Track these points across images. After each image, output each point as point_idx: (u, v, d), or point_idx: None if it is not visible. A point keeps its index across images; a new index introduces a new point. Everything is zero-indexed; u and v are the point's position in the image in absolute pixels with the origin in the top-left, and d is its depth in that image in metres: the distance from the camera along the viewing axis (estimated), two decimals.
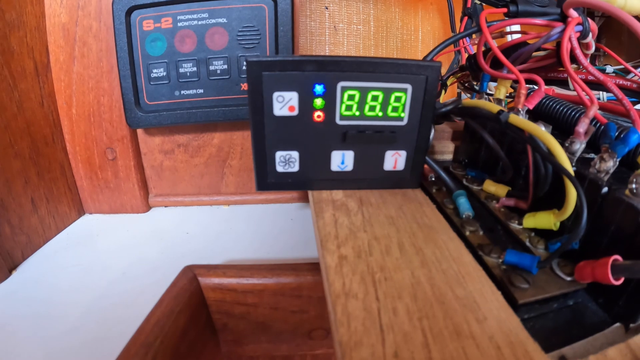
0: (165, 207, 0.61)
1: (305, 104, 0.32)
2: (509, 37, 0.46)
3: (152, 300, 0.37)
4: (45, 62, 0.50)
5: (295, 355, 0.44)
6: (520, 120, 0.30)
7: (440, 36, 0.72)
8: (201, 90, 0.51)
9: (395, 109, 0.33)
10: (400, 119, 0.34)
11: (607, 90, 0.34)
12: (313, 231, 0.38)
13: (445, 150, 0.47)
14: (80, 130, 0.54)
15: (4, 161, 0.45)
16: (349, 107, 0.33)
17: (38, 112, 0.50)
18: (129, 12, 0.48)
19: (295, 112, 0.33)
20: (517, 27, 0.55)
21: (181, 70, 0.50)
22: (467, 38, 0.62)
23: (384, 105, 0.33)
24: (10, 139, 0.45)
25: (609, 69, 0.58)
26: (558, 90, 0.48)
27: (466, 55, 0.60)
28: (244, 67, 0.48)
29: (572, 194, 0.26)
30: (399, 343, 0.20)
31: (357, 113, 0.33)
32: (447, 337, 0.21)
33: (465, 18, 0.64)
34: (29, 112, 0.48)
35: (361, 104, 0.33)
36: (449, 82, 0.57)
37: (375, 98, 0.33)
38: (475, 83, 0.53)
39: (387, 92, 0.32)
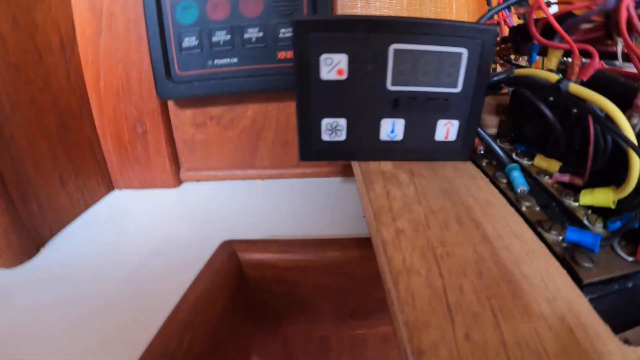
0: (197, 181, 0.61)
1: (355, 68, 0.31)
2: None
3: (187, 278, 0.36)
4: (71, 35, 0.49)
5: (333, 335, 0.43)
6: (581, 89, 0.29)
7: (474, 10, 0.69)
8: (235, 60, 0.49)
9: (449, 75, 0.32)
10: (454, 85, 0.32)
11: None
12: (352, 206, 0.37)
13: (489, 124, 0.45)
14: (108, 104, 0.53)
15: (31, 137, 0.44)
16: (401, 72, 0.31)
17: (65, 86, 0.49)
18: None
19: (344, 76, 0.31)
20: None
21: (214, 38, 0.48)
22: (507, 10, 0.59)
23: (438, 70, 0.31)
24: (36, 114, 0.45)
25: None
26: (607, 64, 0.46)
27: (505, 27, 0.58)
28: (281, 35, 0.46)
29: (636, 167, 0.25)
30: (469, 324, 0.19)
31: (410, 78, 0.32)
32: (518, 318, 0.20)
33: None
34: (55, 87, 0.47)
35: (414, 68, 0.31)
36: None
37: (428, 62, 0.31)
38: (514, 57, 0.51)
39: (442, 57, 0.31)
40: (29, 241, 0.43)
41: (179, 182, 0.60)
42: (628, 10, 0.32)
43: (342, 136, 0.34)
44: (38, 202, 0.45)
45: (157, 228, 0.49)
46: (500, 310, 0.20)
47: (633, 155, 0.25)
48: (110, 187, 0.58)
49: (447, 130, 0.34)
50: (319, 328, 0.43)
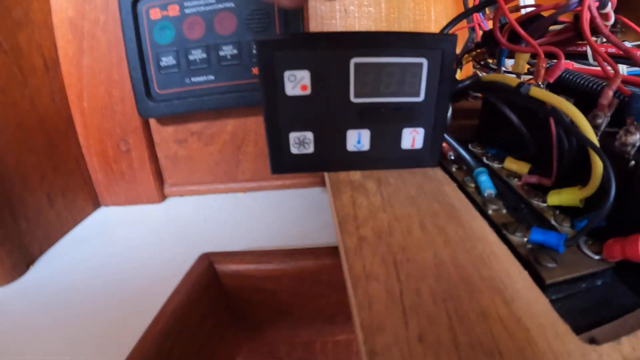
0: (181, 196, 0.61)
1: (318, 83, 0.31)
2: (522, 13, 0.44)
3: (168, 291, 0.36)
4: (54, 57, 0.50)
5: (316, 341, 0.44)
6: (541, 92, 0.29)
7: (453, 15, 0.70)
8: (212, 77, 0.50)
9: (411, 85, 0.32)
10: (417, 94, 0.33)
11: (629, 62, 0.32)
12: (330, 216, 0.37)
13: (465, 128, 0.46)
14: (93, 124, 0.54)
15: (19, 157, 0.44)
16: (363, 84, 0.32)
17: (50, 107, 0.50)
18: (135, 3, 0.47)
19: (308, 91, 0.32)
20: (531, 1, 0.53)
21: (191, 57, 0.49)
22: (482, 14, 0.60)
23: (400, 81, 0.32)
24: (24, 135, 0.45)
25: (627, 45, 0.56)
26: (577, 64, 0.46)
27: (480, 32, 0.59)
28: (254, 51, 0.47)
29: (598, 166, 0.26)
30: (424, 326, 0.20)
31: (373, 90, 0.32)
32: (474, 320, 0.20)
33: None
34: (41, 108, 0.48)
35: (376, 80, 0.32)
36: (464, 61, 0.55)
37: (390, 74, 0.31)
38: (491, 61, 0.51)
39: (403, 68, 0.31)
40: (19, 259, 0.44)
41: (163, 197, 0.60)
42: (590, 10, 0.33)
43: (310, 149, 0.34)
44: (27, 221, 0.45)
45: (142, 243, 0.49)
46: (456, 313, 0.20)
47: (594, 154, 0.25)
48: (96, 204, 0.59)
49: (413, 138, 0.35)
50: (302, 334, 0.44)
